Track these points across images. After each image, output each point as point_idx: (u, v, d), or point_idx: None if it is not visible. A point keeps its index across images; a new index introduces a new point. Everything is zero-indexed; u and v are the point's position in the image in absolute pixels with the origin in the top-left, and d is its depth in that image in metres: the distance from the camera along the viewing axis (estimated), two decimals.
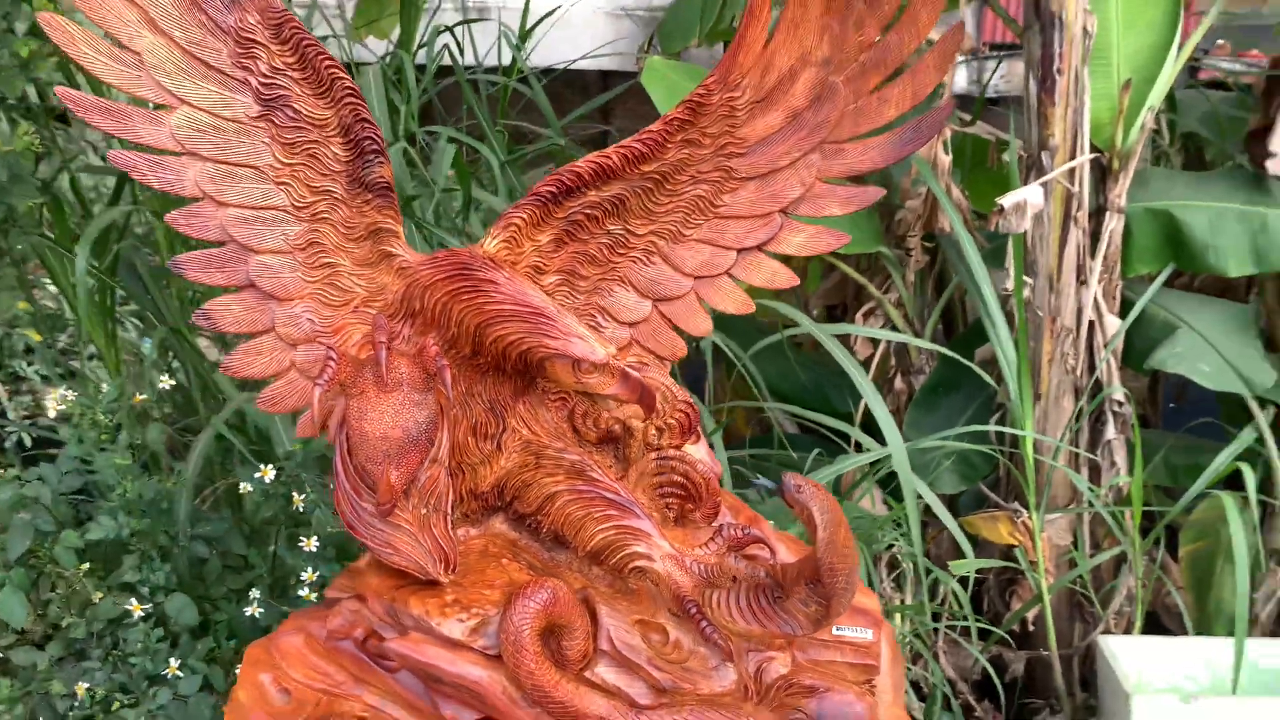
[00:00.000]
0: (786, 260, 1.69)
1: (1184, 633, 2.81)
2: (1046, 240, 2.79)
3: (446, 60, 3.49)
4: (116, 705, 2.13)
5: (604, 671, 1.48)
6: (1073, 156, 2.75)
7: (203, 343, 2.96)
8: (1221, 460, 2.69)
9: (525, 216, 1.56)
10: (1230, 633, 2.57)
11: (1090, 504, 2.80)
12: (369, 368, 1.48)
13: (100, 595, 2.25)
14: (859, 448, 2.72)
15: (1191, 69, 4.06)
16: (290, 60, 1.49)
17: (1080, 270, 2.80)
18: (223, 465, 2.67)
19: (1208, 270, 2.94)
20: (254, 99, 1.50)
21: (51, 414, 2.36)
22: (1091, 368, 2.87)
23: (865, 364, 3.14)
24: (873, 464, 2.54)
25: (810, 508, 1.40)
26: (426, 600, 1.50)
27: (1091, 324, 2.83)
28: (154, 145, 1.49)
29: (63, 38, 1.43)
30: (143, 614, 2.18)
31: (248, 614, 2.21)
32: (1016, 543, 2.73)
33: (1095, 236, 2.84)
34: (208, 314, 1.55)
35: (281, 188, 1.52)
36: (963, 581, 2.60)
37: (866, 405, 2.49)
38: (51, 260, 2.93)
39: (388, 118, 2.93)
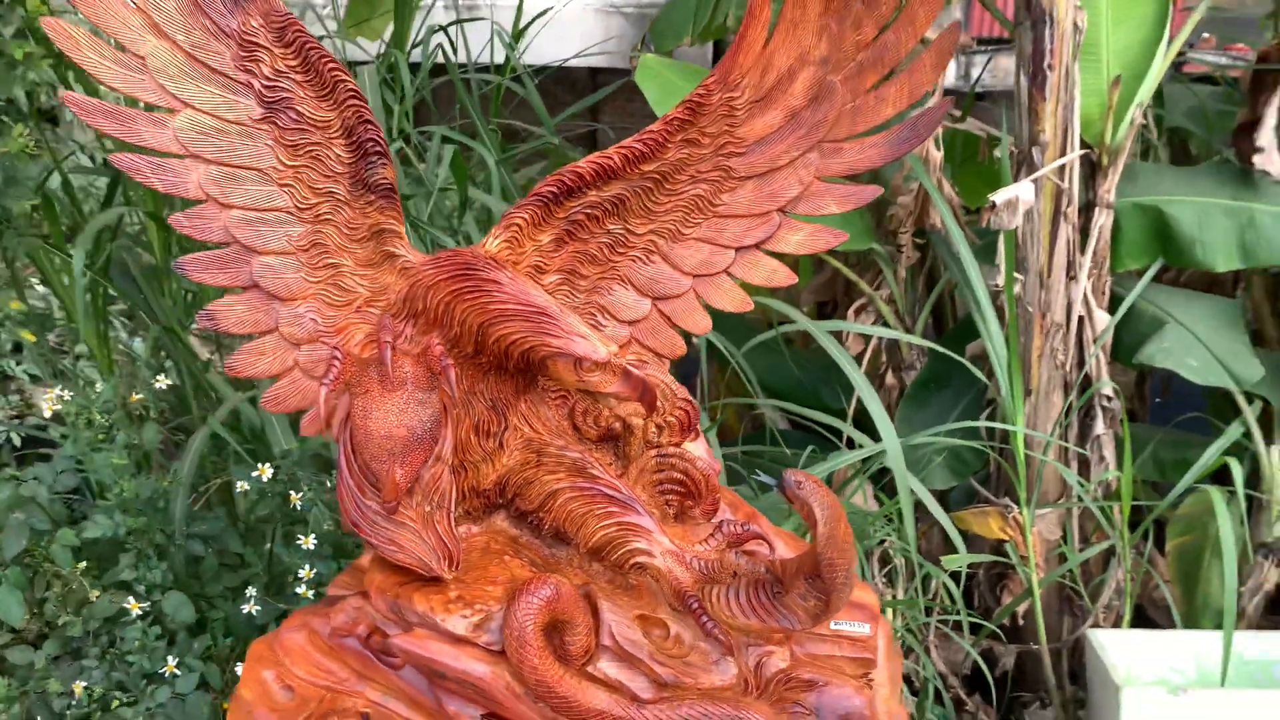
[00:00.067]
0: (782, 258, 1.71)
1: (1171, 626, 2.83)
2: (1037, 236, 2.81)
3: (437, 59, 3.49)
4: (116, 704, 2.13)
5: (606, 666, 1.49)
6: (1063, 152, 2.76)
7: (193, 342, 2.96)
8: (1210, 455, 2.70)
9: (527, 217, 1.57)
10: (1217, 626, 2.60)
11: (1080, 499, 2.82)
12: (373, 367, 1.49)
13: (97, 594, 2.25)
14: (850, 443, 2.74)
15: (1176, 63, 4.08)
16: (293, 63, 1.50)
17: (1070, 266, 2.82)
18: (215, 464, 2.67)
19: (1195, 265, 2.95)
20: (257, 101, 1.50)
21: (47, 414, 2.36)
22: (1081, 363, 2.88)
23: (856, 360, 3.15)
24: (865, 460, 2.55)
25: (811, 503, 1.42)
26: (430, 597, 1.51)
27: (1081, 319, 2.85)
28: (157, 148, 1.49)
29: (67, 43, 1.44)
30: (140, 612, 2.18)
31: (244, 612, 2.22)
32: (1007, 538, 2.75)
33: (1084, 232, 2.85)
34: (211, 315, 1.56)
35: (285, 189, 1.53)
36: (954, 576, 2.62)
37: (857, 401, 2.50)
38: (43, 260, 2.93)
39: (383, 117, 2.93)
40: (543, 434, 1.59)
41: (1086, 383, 2.88)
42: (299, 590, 2.19)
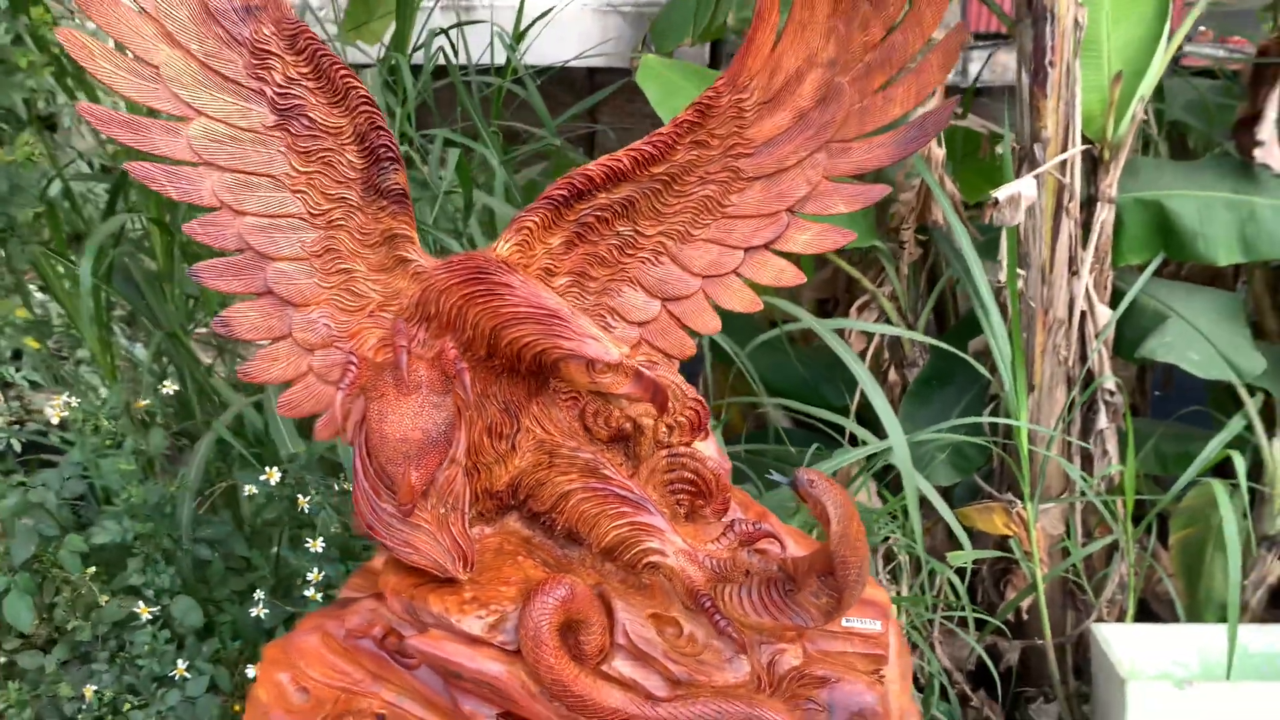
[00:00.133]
0: (789, 258, 1.72)
1: (1174, 620, 2.84)
2: (1039, 232, 2.81)
3: (438, 61, 3.49)
4: (127, 706, 2.14)
5: (620, 665, 1.49)
6: (1065, 148, 2.77)
7: (195, 347, 2.96)
8: (1212, 448, 2.71)
9: (537, 220, 1.58)
10: (1221, 619, 2.60)
11: (1083, 493, 2.83)
12: (388, 371, 1.50)
13: (106, 599, 2.26)
14: (854, 441, 2.74)
15: (1176, 56, 4.10)
16: (305, 70, 1.50)
17: (1072, 261, 2.83)
18: (219, 469, 2.68)
19: (1197, 259, 2.97)
20: (269, 109, 1.51)
21: (54, 420, 2.37)
22: (1083, 358, 2.89)
23: (859, 357, 3.16)
24: (869, 457, 2.56)
25: (824, 502, 1.43)
26: (445, 598, 1.52)
27: (1083, 314, 2.86)
28: (171, 156, 1.50)
29: (82, 53, 1.44)
30: (149, 617, 2.19)
31: (252, 615, 2.23)
32: (1011, 533, 2.75)
33: (1086, 227, 2.86)
34: (226, 321, 1.56)
35: (298, 195, 1.54)
36: (959, 572, 2.63)
37: (860, 398, 2.50)
38: (45, 266, 2.94)
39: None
40: (554, 435, 1.60)
41: (1089, 378, 2.89)
42: (307, 593, 2.20)
